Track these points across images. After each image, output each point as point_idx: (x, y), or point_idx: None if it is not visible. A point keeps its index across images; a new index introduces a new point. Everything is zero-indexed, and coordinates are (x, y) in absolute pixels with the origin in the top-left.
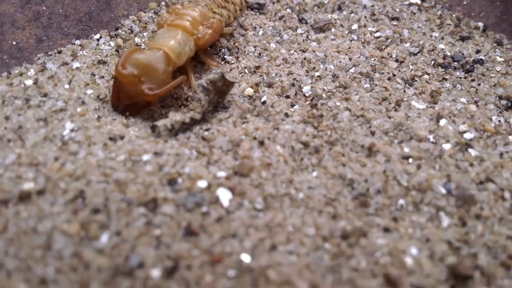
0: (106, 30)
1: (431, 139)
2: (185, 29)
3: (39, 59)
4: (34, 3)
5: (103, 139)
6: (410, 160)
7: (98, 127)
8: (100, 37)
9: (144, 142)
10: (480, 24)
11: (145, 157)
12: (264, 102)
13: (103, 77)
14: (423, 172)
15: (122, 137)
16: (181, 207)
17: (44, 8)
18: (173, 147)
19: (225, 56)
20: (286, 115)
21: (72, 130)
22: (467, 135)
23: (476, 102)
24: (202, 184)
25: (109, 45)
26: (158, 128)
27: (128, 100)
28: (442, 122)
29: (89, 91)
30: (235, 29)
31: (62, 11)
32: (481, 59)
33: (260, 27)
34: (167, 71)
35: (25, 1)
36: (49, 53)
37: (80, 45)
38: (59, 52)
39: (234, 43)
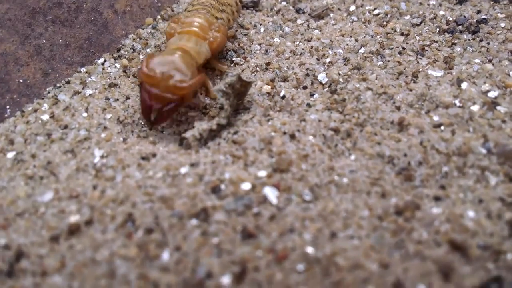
0: (108, 53)
1: (458, 104)
2: (197, 34)
3: (49, 92)
4: (33, 37)
5: (135, 160)
6: (442, 127)
7: (127, 149)
8: (104, 60)
9: (177, 156)
10: None
11: (183, 170)
12: (283, 97)
13: (117, 99)
14: (459, 136)
15: (154, 155)
16: (232, 212)
17: (44, 41)
18: (207, 156)
19: (233, 59)
20: (308, 105)
21: (102, 157)
22: (491, 94)
23: (490, 60)
24: (246, 186)
25: (115, 67)
26: (187, 139)
27: (161, 102)
28: (464, 85)
29: (108, 115)
30: (237, 30)
31: (62, 41)
32: (484, 19)
33: (260, 24)
34: (192, 65)
35: (24, 37)
36: (58, 84)
37: (87, 71)
38: (68, 82)
39: (239, 44)
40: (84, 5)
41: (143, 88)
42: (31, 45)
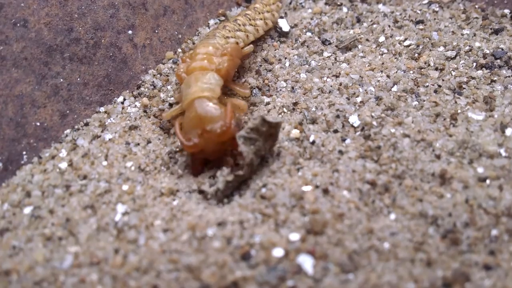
0: (128, 91)
1: (503, 154)
2: (202, 67)
3: (66, 136)
4: (50, 77)
5: (159, 217)
6: (488, 181)
7: (150, 204)
8: (124, 99)
9: (202, 211)
10: (507, 11)
11: (210, 232)
12: (313, 142)
13: (138, 144)
14: (507, 193)
15: (178, 209)
16: (265, 286)
17: (62, 80)
18: (235, 213)
19: (258, 96)
20: (341, 152)
21: (124, 214)
22: None
23: None
24: (279, 252)
25: (135, 106)
26: (207, 193)
27: (216, 154)
28: (508, 131)
29: (129, 163)
30: (261, 65)
31: (80, 80)
32: None
33: (285, 58)
34: (215, 103)
35: (40, 77)
36: (76, 126)
37: (106, 112)
38: (86, 124)
39: (263, 81)
40: (103, 40)
41: (195, 155)
42: (48, 85)
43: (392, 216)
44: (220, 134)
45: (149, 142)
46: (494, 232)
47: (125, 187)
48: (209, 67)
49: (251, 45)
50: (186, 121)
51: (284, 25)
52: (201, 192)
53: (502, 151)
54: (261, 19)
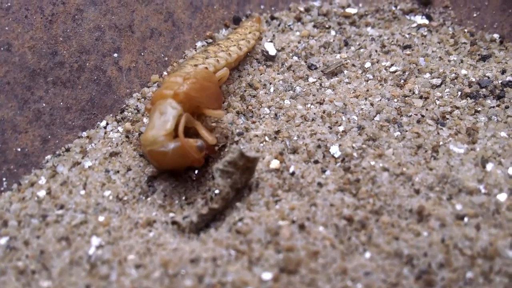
0: (111, 115)
1: (483, 190)
2: (162, 95)
3: (47, 161)
4: (32, 101)
5: (134, 250)
6: (466, 219)
7: (127, 237)
8: (107, 123)
9: (178, 244)
10: (496, 36)
11: (182, 271)
12: (293, 173)
13: (118, 171)
14: (484, 233)
15: (154, 243)
16: None
17: (44, 104)
18: (208, 249)
19: (239, 126)
20: (320, 184)
21: (98, 247)
22: None
23: None
24: None
25: (118, 131)
26: (181, 225)
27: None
28: (489, 166)
29: (107, 193)
30: (245, 91)
31: (63, 104)
32: (510, 81)
33: (270, 83)
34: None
35: (23, 101)
36: (57, 152)
37: (88, 136)
38: (67, 150)
39: (247, 107)
40: (87, 64)
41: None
42: (30, 110)
43: (367, 255)
44: (194, 157)
45: (129, 169)
46: (469, 274)
47: (101, 218)
48: (168, 94)
49: (225, 68)
50: (152, 154)
51: (270, 48)
52: (173, 224)
53: (481, 187)
54: (234, 45)
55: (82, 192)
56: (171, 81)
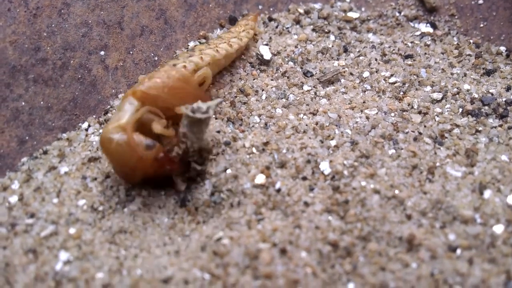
0: (94, 116)
1: (478, 220)
2: (127, 93)
3: (23, 164)
4: (11, 99)
5: (104, 268)
6: (459, 251)
7: (98, 252)
8: (89, 125)
9: (151, 262)
10: (502, 49)
11: None
12: (279, 190)
13: (95, 178)
14: (477, 269)
15: (127, 257)
16: None
17: (23, 103)
18: (183, 269)
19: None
20: (306, 204)
21: (66, 263)
22: None
23: None
24: None
25: (99, 134)
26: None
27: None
28: (487, 193)
29: (81, 202)
30: (236, 96)
31: (43, 103)
32: None
33: (263, 90)
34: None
35: (1, 99)
36: (34, 154)
37: (68, 139)
38: (45, 152)
39: (237, 114)
40: (72, 61)
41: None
42: (8, 108)
43: (351, 286)
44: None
45: (107, 176)
46: None
47: (72, 230)
48: (130, 91)
49: (205, 68)
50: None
51: (265, 52)
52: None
53: (477, 216)
54: (225, 42)
55: (55, 200)
56: (141, 79)
